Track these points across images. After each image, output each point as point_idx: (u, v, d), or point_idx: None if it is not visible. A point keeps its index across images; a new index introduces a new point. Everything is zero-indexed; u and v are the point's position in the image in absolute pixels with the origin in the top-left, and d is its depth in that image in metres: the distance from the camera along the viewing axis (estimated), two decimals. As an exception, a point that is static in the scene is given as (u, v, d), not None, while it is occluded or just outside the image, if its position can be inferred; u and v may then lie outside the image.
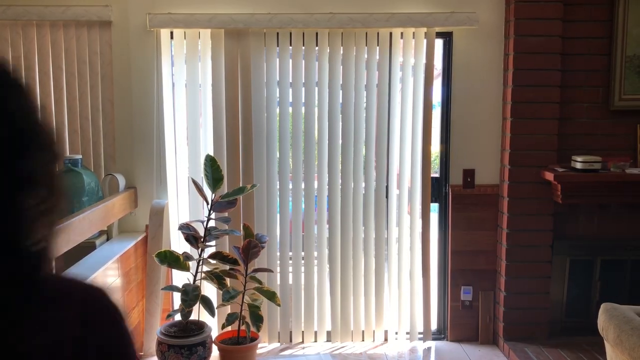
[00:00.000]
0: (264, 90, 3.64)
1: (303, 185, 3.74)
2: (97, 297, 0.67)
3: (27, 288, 0.54)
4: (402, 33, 3.62)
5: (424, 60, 3.62)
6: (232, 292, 3.26)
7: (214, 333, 3.55)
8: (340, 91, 3.67)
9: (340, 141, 3.70)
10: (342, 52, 3.62)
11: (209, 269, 3.34)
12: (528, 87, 3.54)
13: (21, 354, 0.54)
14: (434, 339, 3.89)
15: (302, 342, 3.87)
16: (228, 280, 3.38)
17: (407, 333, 3.86)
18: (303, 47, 3.62)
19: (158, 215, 3.59)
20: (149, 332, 3.59)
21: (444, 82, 3.76)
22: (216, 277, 3.28)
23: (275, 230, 3.77)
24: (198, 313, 3.35)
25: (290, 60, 3.63)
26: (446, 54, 3.73)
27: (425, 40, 3.60)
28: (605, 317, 2.47)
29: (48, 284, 0.55)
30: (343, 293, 3.81)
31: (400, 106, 3.71)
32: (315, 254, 3.83)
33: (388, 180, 3.77)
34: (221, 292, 3.30)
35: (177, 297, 3.70)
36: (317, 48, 3.63)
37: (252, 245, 3.31)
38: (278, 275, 3.81)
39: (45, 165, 0.66)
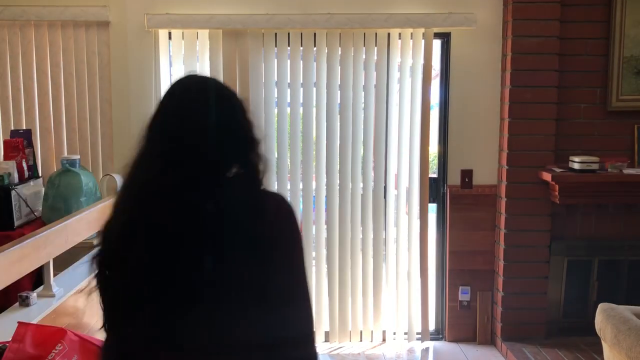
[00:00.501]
0: (262, 90, 3.64)
1: (301, 186, 3.74)
2: (284, 199, 1.29)
3: (261, 185, 1.27)
4: (400, 34, 3.62)
5: (421, 61, 3.63)
6: (230, 293, 3.26)
7: (212, 333, 3.54)
8: (339, 92, 3.67)
9: (339, 142, 3.71)
10: (340, 52, 3.63)
11: (207, 270, 3.34)
12: (526, 88, 3.55)
13: (263, 206, 1.23)
14: (431, 339, 3.90)
15: (300, 342, 3.86)
16: (226, 281, 3.38)
17: (405, 333, 3.87)
18: (301, 48, 3.62)
19: (156, 215, 3.58)
20: (147, 333, 3.59)
21: (442, 82, 3.77)
22: (214, 278, 3.28)
23: (273, 230, 3.77)
24: (196, 313, 3.34)
25: (289, 61, 3.64)
26: (444, 54, 3.74)
27: (423, 41, 3.60)
28: (603, 318, 2.48)
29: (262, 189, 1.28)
30: (341, 293, 3.81)
31: (399, 107, 3.72)
32: (314, 254, 3.83)
33: (386, 180, 3.77)
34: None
35: (175, 298, 3.70)
36: (315, 48, 3.63)
37: (250, 246, 3.31)
38: (276, 275, 3.80)
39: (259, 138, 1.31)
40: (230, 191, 1.22)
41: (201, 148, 1.22)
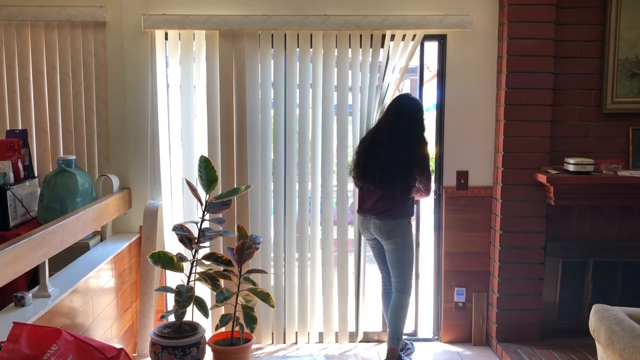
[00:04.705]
0: (258, 91, 3.65)
1: (297, 187, 3.75)
2: (427, 156, 3.45)
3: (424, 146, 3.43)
4: (396, 35, 3.63)
5: (417, 63, 3.63)
6: (226, 293, 3.26)
7: (208, 334, 3.55)
8: (335, 92, 3.68)
9: (335, 142, 3.71)
10: (336, 53, 3.63)
11: (203, 270, 3.34)
12: (521, 90, 3.57)
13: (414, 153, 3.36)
14: (427, 340, 3.90)
15: (296, 343, 3.87)
16: (222, 282, 3.38)
17: (401, 334, 3.87)
18: (297, 49, 3.62)
19: (152, 216, 3.59)
20: (142, 333, 3.59)
21: (438, 84, 3.78)
22: (210, 278, 3.28)
23: (269, 231, 3.78)
24: (192, 314, 3.35)
25: (285, 62, 3.64)
26: (440, 56, 3.75)
27: (419, 43, 3.61)
28: (597, 319, 2.49)
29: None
30: (336, 294, 3.81)
31: (394, 108, 3.72)
32: (309, 255, 3.83)
33: (382, 181, 3.78)
34: (215, 293, 3.30)
35: (170, 298, 3.70)
36: (311, 50, 3.63)
37: (246, 247, 3.31)
38: (272, 276, 3.81)
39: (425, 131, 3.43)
40: (411, 149, 3.31)
41: (398, 129, 3.31)
